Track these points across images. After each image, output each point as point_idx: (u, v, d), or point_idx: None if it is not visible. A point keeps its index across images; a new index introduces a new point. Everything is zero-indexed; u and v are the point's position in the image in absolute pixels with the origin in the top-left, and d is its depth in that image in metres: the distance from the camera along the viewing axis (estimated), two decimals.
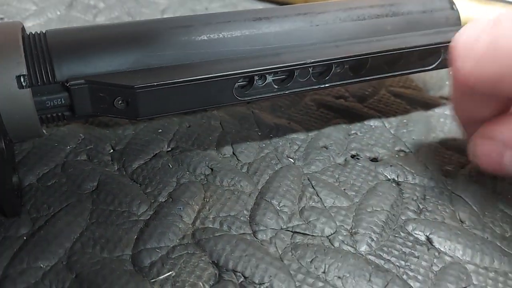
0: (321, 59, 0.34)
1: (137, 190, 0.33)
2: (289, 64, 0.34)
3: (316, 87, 0.35)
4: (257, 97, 0.34)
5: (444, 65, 0.38)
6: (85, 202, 0.32)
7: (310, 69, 0.34)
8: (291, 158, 0.37)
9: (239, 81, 0.32)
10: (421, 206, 0.33)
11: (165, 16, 0.56)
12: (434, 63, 0.38)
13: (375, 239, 0.31)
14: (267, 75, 0.33)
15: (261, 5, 0.59)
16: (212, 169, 0.35)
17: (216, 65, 0.33)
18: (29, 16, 0.53)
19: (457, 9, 0.40)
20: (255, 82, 0.33)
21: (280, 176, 0.35)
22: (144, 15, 0.56)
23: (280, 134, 0.39)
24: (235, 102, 0.33)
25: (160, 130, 0.38)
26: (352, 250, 0.30)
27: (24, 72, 0.29)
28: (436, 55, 0.38)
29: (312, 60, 0.34)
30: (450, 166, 0.37)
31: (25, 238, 0.30)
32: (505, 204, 0.34)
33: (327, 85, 0.35)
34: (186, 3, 0.58)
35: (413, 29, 0.39)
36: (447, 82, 0.47)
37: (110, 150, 0.37)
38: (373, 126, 0.40)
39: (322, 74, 0.35)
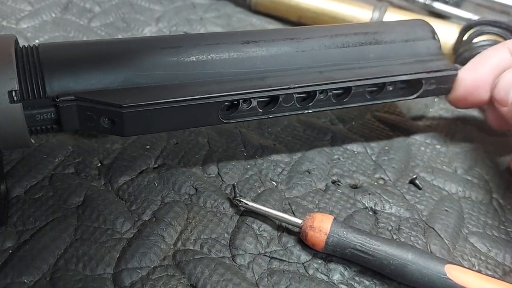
0: (304, 85, 0.36)
1: (122, 207, 0.34)
2: (273, 88, 0.35)
3: (300, 112, 0.36)
4: (242, 120, 0.35)
5: (426, 94, 0.40)
6: (70, 218, 0.33)
7: (295, 95, 0.35)
8: (274, 181, 0.38)
9: (225, 103, 0.33)
10: (394, 237, 0.35)
11: (159, 24, 0.56)
12: (416, 93, 0.39)
13: (348, 268, 0.32)
14: (252, 99, 0.34)
15: (254, 18, 0.60)
16: (196, 189, 0.36)
17: (203, 86, 0.34)
18: (23, 17, 0.54)
19: (438, 39, 0.42)
20: (240, 105, 0.34)
21: (262, 199, 0.36)
22: (138, 22, 0.56)
23: (265, 156, 0.40)
24: (220, 123, 0.34)
25: (148, 146, 0.39)
26: (325, 278, 0.31)
27: (16, 87, 0.29)
28: (418, 85, 0.39)
29: (295, 85, 0.35)
30: (427, 197, 0.38)
31: (10, 251, 0.30)
32: (476, 238, 0.35)
33: (310, 110, 0.36)
34: (181, 12, 0.59)
35: (395, 57, 0.40)
36: (430, 109, 0.48)
37: (97, 164, 0.37)
38: (356, 152, 0.42)
39: (306, 99, 0.36)
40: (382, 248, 0.31)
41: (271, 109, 0.35)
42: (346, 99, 0.37)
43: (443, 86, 0.40)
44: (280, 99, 0.35)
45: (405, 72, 0.38)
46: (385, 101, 0.39)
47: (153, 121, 0.32)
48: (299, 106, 0.36)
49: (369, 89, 0.38)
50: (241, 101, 0.34)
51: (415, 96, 0.39)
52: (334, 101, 0.37)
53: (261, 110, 0.35)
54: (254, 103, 0.34)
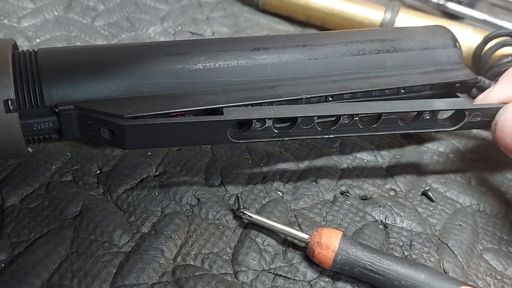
0: (316, 95, 0.34)
1: (121, 218, 0.33)
2: (283, 98, 0.33)
3: (319, 136, 0.33)
4: (254, 140, 0.32)
5: (468, 126, 0.35)
6: (66, 230, 0.31)
7: (315, 118, 0.32)
8: (279, 191, 0.36)
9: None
10: (406, 253, 0.33)
11: (164, 24, 0.55)
12: (457, 124, 0.35)
13: (357, 287, 0.30)
14: (266, 120, 0.31)
15: (262, 18, 0.58)
16: (198, 200, 0.35)
17: (210, 95, 0.32)
18: (25, 15, 0.52)
19: (459, 47, 0.40)
20: (253, 124, 0.31)
21: (267, 211, 0.34)
22: (143, 21, 0.55)
23: (270, 164, 0.38)
24: (229, 143, 0.32)
25: (149, 153, 0.38)
26: None
27: (12, 96, 0.28)
28: (461, 116, 0.35)
29: (307, 96, 0.34)
30: (439, 210, 0.36)
31: (3, 265, 0.29)
32: (491, 255, 0.33)
33: (331, 135, 0.33)
34: (187, 11, 0.57)
35: (413, 66, 0.38)
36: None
37: (96, 171, 0.36)
38: (366, 160, 0.40)
39: (327, 124, 0.33)
40: (393, 268, 0.29)
41: (287, 131, 0.32)
42: (374, 126, 0.34)
43: (489, 119, 0.35)
44: (299, 121, 0.32)
45: (422, 82, 0.37)
46: (419, 130, 0.35)
47: (155, 137, 0.30)
48: (320, 129, 0.33)
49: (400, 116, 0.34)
50: (254, 120, 0.31)
51: (455, 128, 0.35)
52: (361, 127, 0.34)
53: (276, 131, 0.32)
54: (269, 123, 0.32)
